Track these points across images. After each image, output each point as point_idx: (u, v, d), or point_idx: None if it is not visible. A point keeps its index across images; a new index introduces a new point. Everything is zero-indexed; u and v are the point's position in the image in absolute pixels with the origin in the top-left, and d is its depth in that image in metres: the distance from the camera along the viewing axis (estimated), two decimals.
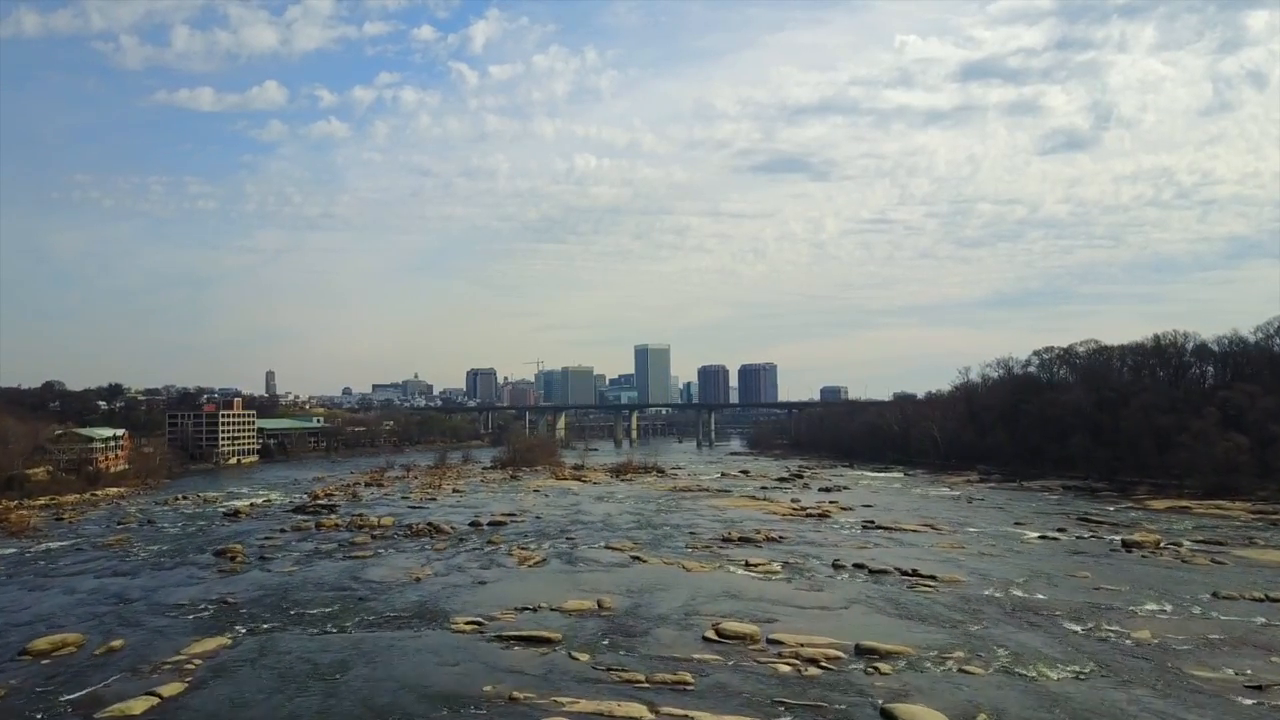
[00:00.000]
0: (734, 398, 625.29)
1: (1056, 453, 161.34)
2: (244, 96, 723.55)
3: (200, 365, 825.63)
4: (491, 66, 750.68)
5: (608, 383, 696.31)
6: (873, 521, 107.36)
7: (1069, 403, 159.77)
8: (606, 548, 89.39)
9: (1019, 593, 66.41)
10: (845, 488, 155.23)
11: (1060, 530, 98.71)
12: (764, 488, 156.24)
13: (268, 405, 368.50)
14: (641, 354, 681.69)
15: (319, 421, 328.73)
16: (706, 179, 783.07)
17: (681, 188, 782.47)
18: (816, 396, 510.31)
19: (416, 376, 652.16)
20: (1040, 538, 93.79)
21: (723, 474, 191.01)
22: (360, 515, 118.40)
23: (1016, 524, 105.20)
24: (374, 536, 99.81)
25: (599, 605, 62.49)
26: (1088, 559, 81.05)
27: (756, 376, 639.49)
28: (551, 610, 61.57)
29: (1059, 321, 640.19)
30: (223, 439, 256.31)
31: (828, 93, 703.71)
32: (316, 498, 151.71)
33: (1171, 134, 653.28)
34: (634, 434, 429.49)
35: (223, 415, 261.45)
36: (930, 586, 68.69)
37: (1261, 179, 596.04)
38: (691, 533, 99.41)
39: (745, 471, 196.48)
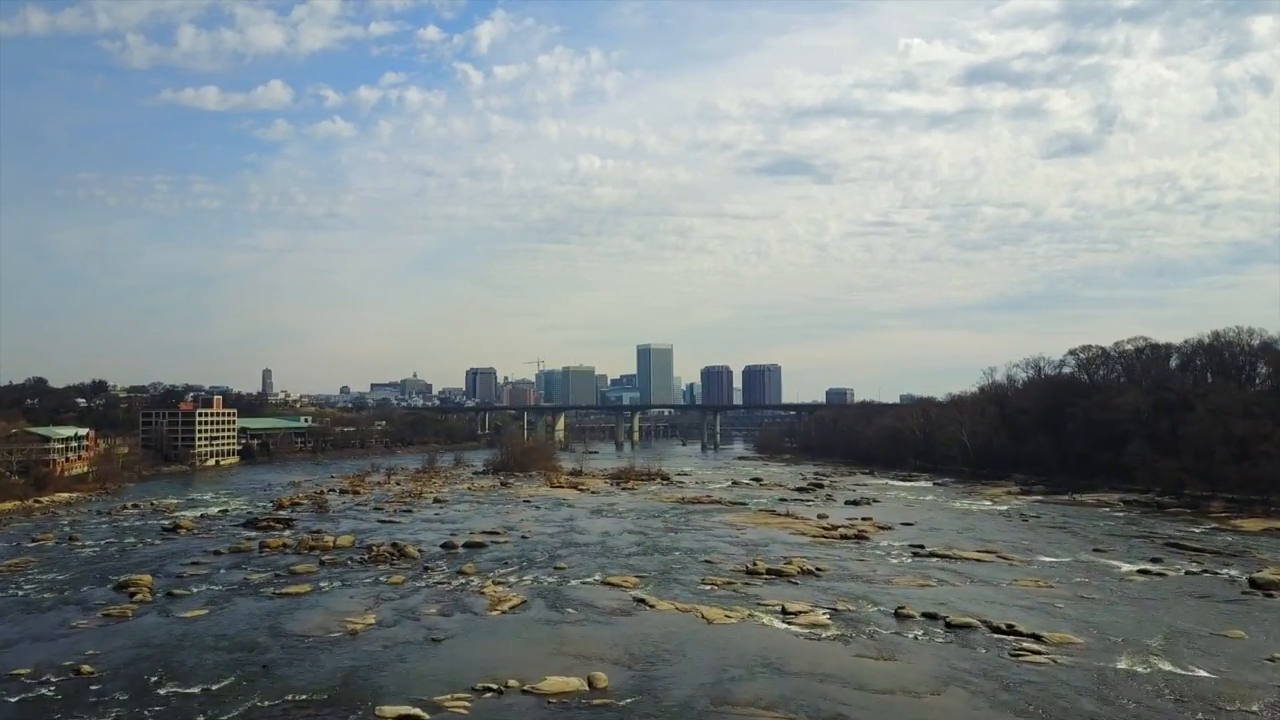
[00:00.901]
0: (737, 399, 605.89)
1: (1108, 462, 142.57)
2: (249, 96, 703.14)
3: (202, 365, 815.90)
4: (496, 67, 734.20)
5: (609, 383, 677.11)
6: (922, 546, 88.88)
7: (1124, 406, 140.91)
8: (603, 583, 71.00)
9: (1167, 665, 47.89)
10: (873, 500, 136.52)
11: (1155, 561, 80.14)
12: (782, 499, 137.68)
13: (255, 404, 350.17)
14: (644, 354, 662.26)
15: (307, 421, 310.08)
16: (710, 180, 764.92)
17: (685, 189, 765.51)
18: (820, 398, 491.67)
19: (415, 376, 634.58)
20: (1140, 572, 75.13)
21: (733, 482, 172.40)
22: (317, 533, 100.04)
23: (1096, 551, 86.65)
24: (322, 563, 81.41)
25: (590, 685, 44.12)
26: (1219, 606, 62.53)
27: (761, 378, 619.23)
28: (523, 691, 43.26)
29: (1062, 325, 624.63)
30: (200, 439, 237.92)
31: (832, 95, 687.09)
32: (280, 507, 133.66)
33: (1175, 138, 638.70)
34: (636, 436, 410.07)
35: (200, 414, 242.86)
36: (1038, 652, 50.19)
37: (1265, 184, 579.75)
38: (707, 561, 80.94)
39: (757, 479, 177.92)
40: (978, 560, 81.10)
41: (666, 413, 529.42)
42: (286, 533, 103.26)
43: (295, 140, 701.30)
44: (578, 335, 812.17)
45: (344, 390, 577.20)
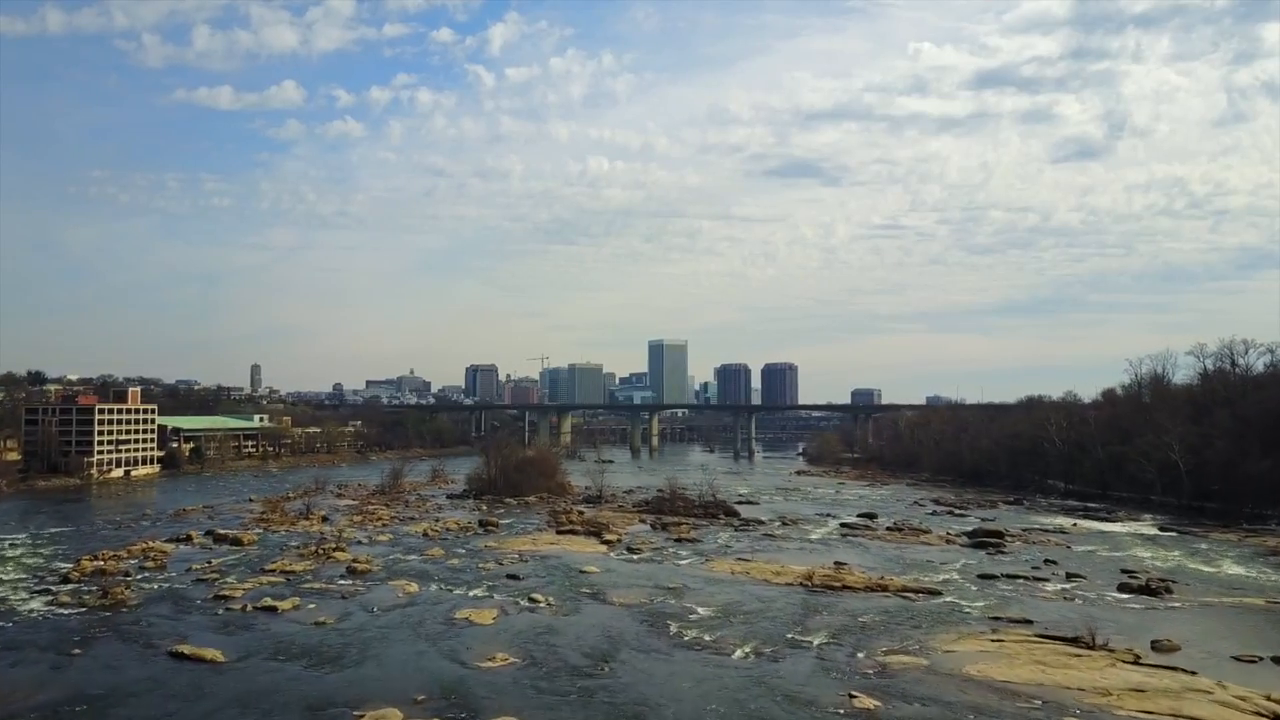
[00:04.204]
0: (755, 399, 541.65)
1: None
2: (262, 96, 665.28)
3: (207, 362, 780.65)
4: (508, 69, 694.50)
5: (618, 382, 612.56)
6: None
7: None
8: None
9: None
10: (1157, 581, 70.60)
11: None
12: (984, 576, 72.28)
13: (206, 399, 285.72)
14: (656, 350, 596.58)
15: (262, 420, 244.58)
16: (719, 183, 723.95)
17: (694, 191, 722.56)
18: (833, 400, 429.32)
19: (412, 372, 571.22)
20: None
21: (841, 524, 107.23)
22: None
23: None
24: None
25: None
26: None
27: (781, 377, 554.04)
28: None
29: (1069, 330, 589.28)
30: (101, 443, 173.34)
31: (842, 99, 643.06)
32: (66, 580, 69.48)
33: (1185, 144, 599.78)
34: (654, 440, 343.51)
35: (102, 411, 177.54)
36: None
37: (1274, 189, 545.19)
38: None
39: (870, 516, 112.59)
40: None
41: (680, 414, 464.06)
42: None
43: (307, 140, 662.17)
44: (584, 336, 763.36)
45: (336, 388, 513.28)
